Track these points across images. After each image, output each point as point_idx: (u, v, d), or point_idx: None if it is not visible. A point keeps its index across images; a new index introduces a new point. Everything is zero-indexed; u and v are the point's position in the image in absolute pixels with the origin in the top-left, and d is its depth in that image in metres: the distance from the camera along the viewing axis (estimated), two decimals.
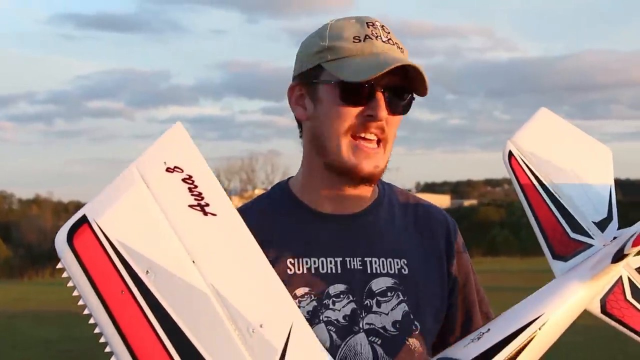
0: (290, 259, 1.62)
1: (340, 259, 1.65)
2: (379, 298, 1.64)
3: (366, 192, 1.72)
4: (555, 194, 1.67)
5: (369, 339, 1.61)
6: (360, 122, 1.61)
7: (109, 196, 1.02)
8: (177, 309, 0.99)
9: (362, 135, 1.62)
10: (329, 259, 1.65)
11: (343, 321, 1.60)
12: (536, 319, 1.30)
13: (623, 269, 1.57)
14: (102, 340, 1.00)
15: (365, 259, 1.67)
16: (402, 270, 1.68)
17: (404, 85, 1.63)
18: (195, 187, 1.04)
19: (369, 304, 1.63)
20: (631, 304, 1.55)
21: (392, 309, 1.64)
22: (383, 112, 1.60)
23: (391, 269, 1.68)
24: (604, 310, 1.53)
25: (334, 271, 1.64)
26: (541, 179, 1.68)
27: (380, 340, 1.62)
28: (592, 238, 1.63)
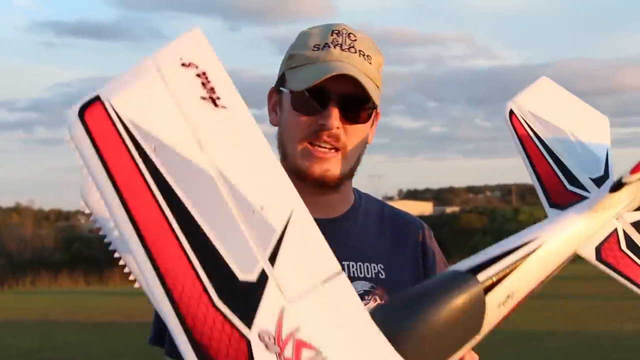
0: None
1: None
2: None
3: (336, 198, 1.74)
4: (553, 149, 1.70)
5: None
6: (314, 131, 1.63)
7: (123, 81, 1.06)
8: (182, 186, 1.02)
9: (317, 143, 1.64)
10: None
11: None
12: (533, 240, 1.32)
13: (618, 222, 1.59)
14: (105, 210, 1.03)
15: (343, 262, 1.67)
16: (379, 274, 1.70)
17: (363, 94, 1.63)
18: (209, 82, 1.06)
19: None
20: (626, 254, 1.58)
21: None
22: (334, 121, 1.61)
23: (368, 273, 1.69)
24: (598, 258, 1.55)
25: None
26: (540, 135, 1.71)
27: None
28: (588, 192, 1.66)
